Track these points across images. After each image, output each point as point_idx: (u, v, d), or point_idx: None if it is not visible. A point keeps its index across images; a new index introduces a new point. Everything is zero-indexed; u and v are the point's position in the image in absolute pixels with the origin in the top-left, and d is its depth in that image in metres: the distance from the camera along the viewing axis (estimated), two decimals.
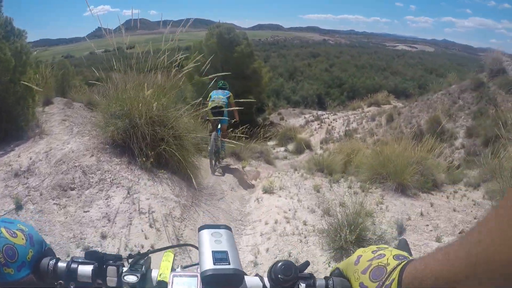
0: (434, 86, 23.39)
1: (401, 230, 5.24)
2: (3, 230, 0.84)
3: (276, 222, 5.42)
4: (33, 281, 0.89)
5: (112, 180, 5.05)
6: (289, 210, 5.83)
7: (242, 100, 7.13)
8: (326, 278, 0.92)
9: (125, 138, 5.52)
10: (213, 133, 7.99)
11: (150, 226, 4.51)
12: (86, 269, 0.91)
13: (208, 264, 0.87)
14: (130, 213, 4.62)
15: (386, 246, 0.88)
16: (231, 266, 0.87)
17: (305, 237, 5.01)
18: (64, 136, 6.39)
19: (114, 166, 5.28)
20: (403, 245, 0.93)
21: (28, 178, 4.91)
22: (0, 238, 0.81)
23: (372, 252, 0.85)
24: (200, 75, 25.03)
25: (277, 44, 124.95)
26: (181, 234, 4.69)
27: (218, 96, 8.35)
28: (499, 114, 14.86)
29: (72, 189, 4.77)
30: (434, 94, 22.11)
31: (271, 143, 22.56)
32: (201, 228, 1.00)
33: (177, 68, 6.59)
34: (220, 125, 8.50)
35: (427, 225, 5.45)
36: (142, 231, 4.39)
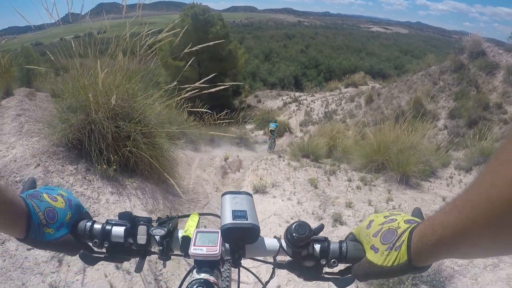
0: (413, 67, 23.14)
1: None
2: (44, 195, 0.90)
3: None
4: (71, 239, 0.92)
5: None
6: (291, 218, 4.94)
7: (218, 84, 5.61)
8: (340, 241, 0.94)
9: (82, 138, 4.18)
10: (271, 139, 15.17)
11: (117, 267, 3.11)
12: (119, 230, 0.96)
13: (228, 219, 0.94)
14: None
15: (399, 212, 0.89)
16: (248, 221, 0.93)
17: None
18: (12, 137, 4.65)
19: (67, 177, 3.87)
20: (417, 213, 0.88)
21: None
22: (42, 202, 0.87)
23: (384, 217, 0.87)
24: (174, 58, 24.40)
25: (252, 26, 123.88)
26: (160, 272, 3.35)
27: (273, 126, 15.66)
28: (481, 96, 15.11)
29: None
30: (414, 75, 21.95)
31: (249, 126, 22.03)
32: (224, 194, 1.07)
33: (148, 50, 5.53)
34: (272, 138, 15.20)
35: None
36: (106, 275, 2.98)
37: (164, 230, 0.94)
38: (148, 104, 4.65)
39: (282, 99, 32.17)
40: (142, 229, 0.96)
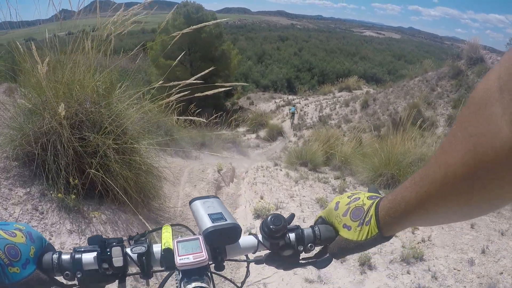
0: (410, 72, 22.89)
1: None
2: (1, 232, 0.80)
3: None
4: (40, 276, 0.83)
5: None
6: None
7: (217, 85, 4.45)
8: (312, 226, 0.98)
9: (40, 152, 3.04)
10: (292, 119, 22.89)
11: None
12: (90, 256, 0.88)
13: (207, 224, 0.92)
14: None
15: (358, 191, 0.96)
16: (228, 221, 0.93)
17: None
18: None
19: (11, 208, 2.74)
20: (374, 189, 0.95)
21: None
22: (1, 239, 0.79)
23: (348, 197, 0.93)
24: (165, 58, 23.77)
25: (245, 27, 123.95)
26: None
27: (293, 110, 23.57)
28: None
29: None
30: (410, 80, 21.61)
31: (241, 129, 21.43)
32: (192, 201, 1.05)
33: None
34: (293, 118, 22.68)
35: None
36: None
37: (145, 247, 0.90)
38: (124, 108, 3.52)
39: (275, 102, 31.78)
40: (116, 250, 0.87)
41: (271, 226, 0.90)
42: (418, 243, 4.36)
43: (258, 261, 1.00)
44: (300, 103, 29.03)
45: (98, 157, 3.14)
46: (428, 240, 4.41)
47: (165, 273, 0.98)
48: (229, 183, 6.73)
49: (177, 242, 0.91)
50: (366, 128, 18.54)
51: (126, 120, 3.47)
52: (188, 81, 3.48)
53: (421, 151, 6.97)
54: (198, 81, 3.36)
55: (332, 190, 6.30)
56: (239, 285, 1.07)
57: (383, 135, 11.55)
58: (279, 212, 1.58)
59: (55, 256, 0.87)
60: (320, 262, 0.94)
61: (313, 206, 5.40)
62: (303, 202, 5.55)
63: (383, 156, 6.69)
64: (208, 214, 0.95)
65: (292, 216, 0.98)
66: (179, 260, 0.86)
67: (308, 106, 27.79)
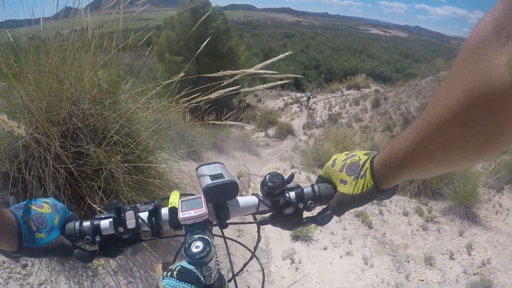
0: (421, 71, 22.57)
1: None
2: (30, 205, 0.88)
3: None
4: (64, 240, 0.90)
5: None
6: None
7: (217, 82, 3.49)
8: (312, 185, 0.98)
9: (16, 175, 2.14)
10: (307, 102, 26.76)
11: None
12: (107, 222, 0.94)
13: (207, 182, 0.94)
14: None
15: (358, 150, 0.94)
16: (226, 179, 0.95)
17: None
18: None
19: None
20: (374, 148, 0.93)
21: None
22: (30, 210, 0.86)
23: (345, 154, 0.94)
24: (172, 54, 23.21)
25: (250, 24, 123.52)
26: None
27: (309, 95, 26.94)
28: None
29: None
30: (422, 79, 21.44)
31: (249, 127, 20.87)
32: (198, 167, 1.06)
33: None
34: (307, 103, 26.77)
35: None
36: None
37: (151, 206, 0.95)
38: (137, 109, 2.60)
39: (283, 100, 31.18)
40: (129, 214, 0.93)
41: (269, 184, 0.92)
42: (478, 267, 3.88)
43: (263, 222, 1.01)
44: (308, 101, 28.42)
45: (101, 179, 2.21)
46: (488, 262, 3.93)
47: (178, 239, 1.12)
48: (248, 189, 6.18)
49: (181, 201, 0.95)
50: (378, 127, 18.24)
51: (140, 125, 2.57)
52: (215, 75, 2.70)
53: None
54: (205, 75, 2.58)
55: (371, 202, 5.73)
56: (253, 250, 1.08)
57: (396, 135, 11.23)
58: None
59: (77, 223, 0.94)
60: (320, 218, 0.93)
61: (354, 222, 4.84)
62: (342, 216, 4.95)
63: None
64: (209, 175, 0.97)
65: (292, 175, 0.98)
66: (181, 215, 0.90)
67: (317, 104, 27.16)
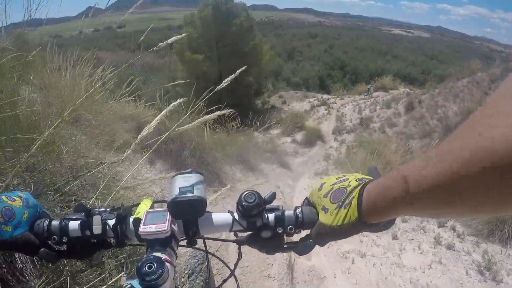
0: (457, 72, 21.46)
1: None
2: (3, 197, 0.89)
3: None
4: (31, 237, 0.90)
5: None
6: None
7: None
8: (295, 207, 0.91)
9: None
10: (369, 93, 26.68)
11: None
12: (75, 224, 0.92)
13: (173, 195, 0.89)
14: None
15: (354, 173, 0.84)
16: (193, 194, 0.88)
17: None
18: None
19: None
20: (373, 171, 0.81)
21: None
22: (1, 201, 0.86)
23: (337, 178, 0.84)
24: (192, 52, 22.17)
25: (272, 24, 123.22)
26: None
27: (369, 86, 27.18)
28: None
29: None
30: (458, 81, 19.99)
31: (274, 131, 19.64)
32: (175, 175, 1.00)
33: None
34: (370, 92, 26.49)
35: None
36: None
37: (114, 215, 0.92)
38: None
39: (309, 102, 29.77)
40: (96, 219, 0.92)
41: (243, 203, 0.86)
42: None
43: (241, 242, 0.94)
44: (336, 103, 27.12)
45: None
46: None
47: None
48: None
49: (147, 212, 0.91)
50: (415, 133, 17.07)
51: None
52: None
53: None
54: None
55: (434, 242, 4.50)
56: (232, 269, 1.03)
57: (437, 143, 10.21)
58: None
59: (46, 221, 0.93)
60: (300, 248, 0.85)
61: None
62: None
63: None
64: (179, 187, 0.90)
65: (273, 195, 0.91)
66: (141, 229, 0.86)
67: (345, 107, 25.76)
